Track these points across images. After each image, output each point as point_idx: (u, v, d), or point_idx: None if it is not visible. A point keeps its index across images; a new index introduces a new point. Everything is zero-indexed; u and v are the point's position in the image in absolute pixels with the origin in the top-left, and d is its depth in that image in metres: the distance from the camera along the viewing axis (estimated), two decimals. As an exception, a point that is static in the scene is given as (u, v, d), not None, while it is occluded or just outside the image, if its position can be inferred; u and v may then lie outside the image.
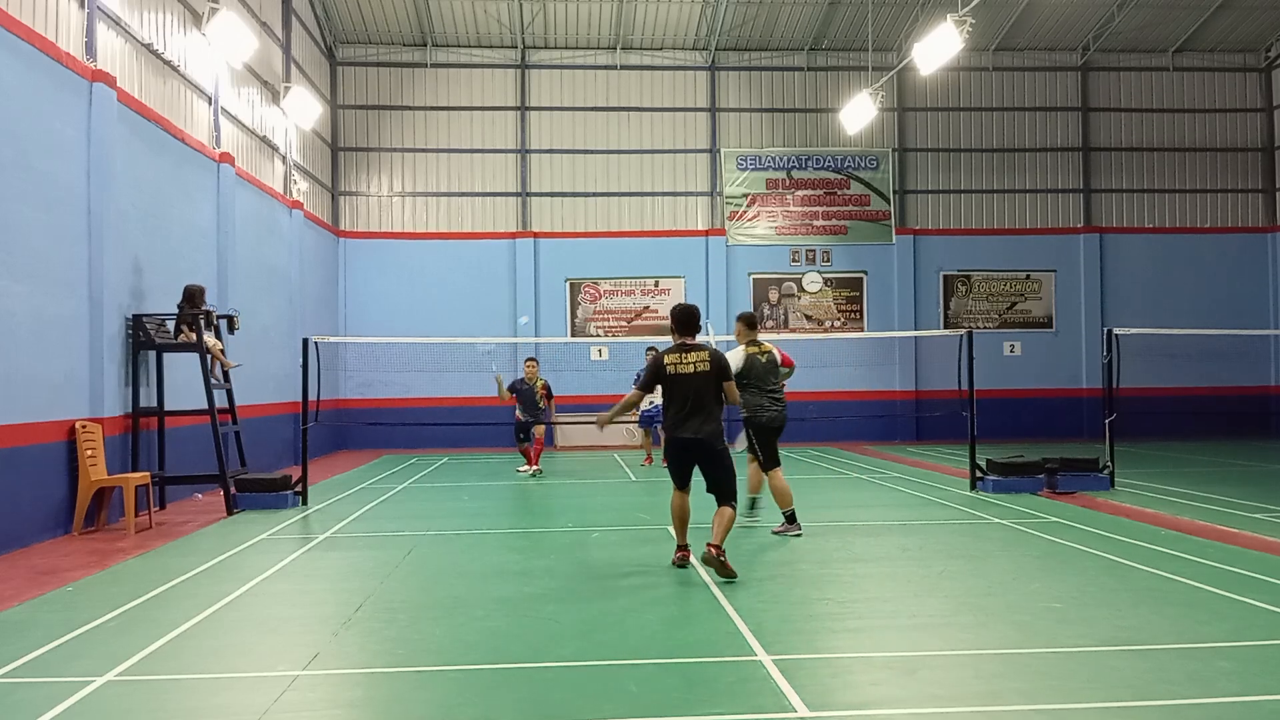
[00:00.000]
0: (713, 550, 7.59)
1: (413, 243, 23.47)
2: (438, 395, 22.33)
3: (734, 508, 7.89)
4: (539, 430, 16.59)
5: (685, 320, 8.06)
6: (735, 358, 9.62)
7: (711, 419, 7.91)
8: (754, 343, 9.94)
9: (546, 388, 16.37)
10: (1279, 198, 25.02)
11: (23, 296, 9.75)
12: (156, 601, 7.13)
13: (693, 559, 8.14)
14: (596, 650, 5.73)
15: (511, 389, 16.25)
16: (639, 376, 8.47)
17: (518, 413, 16.36)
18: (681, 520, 8.13)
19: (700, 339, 8.20)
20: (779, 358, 10.05)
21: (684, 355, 7.93)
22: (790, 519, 9.73)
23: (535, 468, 16.41)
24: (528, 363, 16.52)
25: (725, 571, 7.49)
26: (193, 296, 12.33)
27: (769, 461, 9.79)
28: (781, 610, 6.59)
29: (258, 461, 14.80)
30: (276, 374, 17.68)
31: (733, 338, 10.27)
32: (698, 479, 8.01)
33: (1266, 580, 7.34)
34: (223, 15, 14.60)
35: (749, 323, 10.06)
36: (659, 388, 8.08)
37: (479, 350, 14.47)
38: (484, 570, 8.22)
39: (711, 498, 8.02)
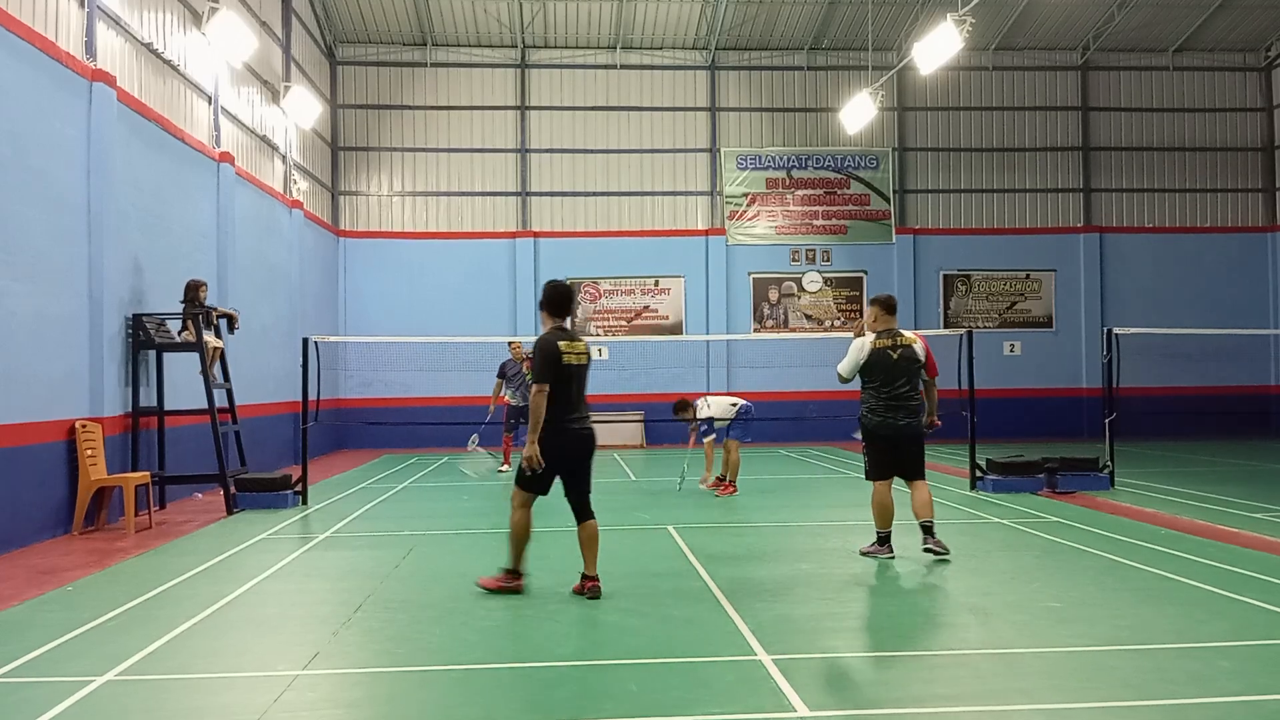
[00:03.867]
0: (591, 584, 7.07)
1: (413, 242, 23.47)
2: (438, 395, 22.28)
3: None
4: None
5: (563, 300, 7.18)
6: (858, 349, 8.39)
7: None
8: (888, 333, 8.36)
9: (529, 360, 16.21)
10: (1279, 197, 25.03)
11: (23, 296, 9.75)
12: (156, 601, 7.13)
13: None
14: (596, 650, 5.73)
15: (500, 373, 16.21)
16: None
17: (507, 396, 16.11)
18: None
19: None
20: (922, 353, 8.36)
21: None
22: (882, 540, 8.50)
23: (506, 466, 16.26)
24: (513, 344, 16.36)
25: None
26: (188, 290, 12.33)
27: (874, 473, 8.53)
28: (781, 610, 6.59)
29: (258, 461, 14.80)
30: (276, 373, 17.67)
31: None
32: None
33: (1266, 580, 7.34)
34: (223, 15, 14.59)
35: (887, 307, 8.44)
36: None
37: (467, 449, 14.32)
38: (484, 570, 8.18)
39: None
